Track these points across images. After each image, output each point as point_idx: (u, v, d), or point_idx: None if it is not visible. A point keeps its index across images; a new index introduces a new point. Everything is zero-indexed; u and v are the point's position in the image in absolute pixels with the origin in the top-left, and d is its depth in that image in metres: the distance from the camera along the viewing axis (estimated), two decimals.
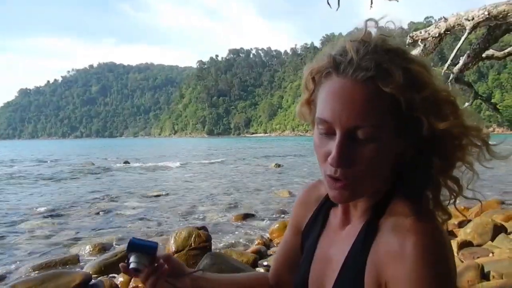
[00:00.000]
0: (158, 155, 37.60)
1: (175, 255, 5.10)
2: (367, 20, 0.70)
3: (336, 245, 0.78)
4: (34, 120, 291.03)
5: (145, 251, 0.84)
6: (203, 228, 5.65)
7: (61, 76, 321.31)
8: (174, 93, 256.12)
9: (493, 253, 4.18)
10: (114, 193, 12.56)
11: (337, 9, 7.48)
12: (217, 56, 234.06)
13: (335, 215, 0.83)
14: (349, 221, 0.78)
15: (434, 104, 0.66)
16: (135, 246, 0.84)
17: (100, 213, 9.39)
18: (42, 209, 9.84)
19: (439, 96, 0.67)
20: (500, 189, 11.23)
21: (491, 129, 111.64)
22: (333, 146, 0.66)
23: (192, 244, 5.15)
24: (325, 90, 0.68)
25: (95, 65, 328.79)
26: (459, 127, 0.68)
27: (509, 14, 5.35)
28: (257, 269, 4.53)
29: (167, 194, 12.19)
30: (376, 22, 0.70)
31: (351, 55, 0.66)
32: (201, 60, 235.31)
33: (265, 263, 4.99)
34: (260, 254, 5.47)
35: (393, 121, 0.66)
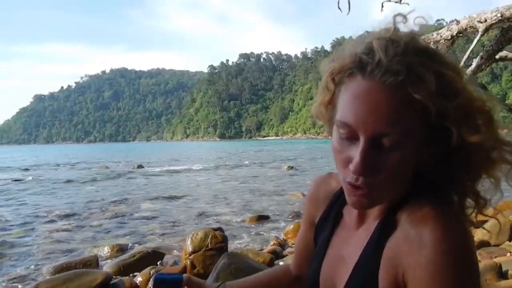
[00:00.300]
0: (171, 158, 37.89)
1: (192, 255, 5.21)
2: (395, 16, 0.65)
3: (349, 244, 0.75)
4: (48, 125, 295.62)
5: (171, 286, 0.85)
6: (219, 229, 5.73)
7: (75, 82, 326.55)
8: (185, 98, 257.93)
9: (510, 252, 4.19)
10: (129, 196, 12.74)
11: (347, 13, 7.55)
12: (227, 60, 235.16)
13: (349, 213, 0.80)
14: (364, 221, 0.75)
15: (467, 113, 0.61)
16: (161, 282, 0.84)
17: (117, 215, 9.54)
18: (60, 212, 10.04)
19: (472, 106, 0.61)
20: None
21: (505, 130, 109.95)
22: (355, 152, 0.62)
23: (209, 245, 5.23)
24: (349, 92, 0.64)
25: (107, 70, 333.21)
26: (492, 141, 0.63)
27: None
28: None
29: (182, 197, 12.32)
30: (405, 17, 0.65)
31: (379, 56, 0.60)
32: (212, 65, 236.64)
33: (281, 263, 5.05)
34: (276, 255, 5.54)
35: (421, 129, 0.62)
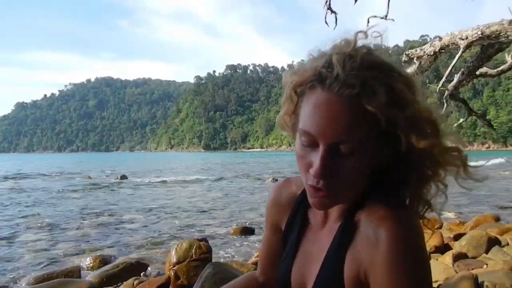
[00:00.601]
0: (155, 169, 37.57)
1: (176, 266, 5.18)
2: (357, 32, 0.71)
3: (317, 242, 0.81)
4: (30, 133, 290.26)
5: None
6: (204, 239, 5.73)
7: (58, 90, 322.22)
8: (171, 108, 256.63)
9: (487, 264, 4.28)
10: (112, 207, 12.57)
11: (334, 28, 7.70)
12: (214, 71, 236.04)
13: (314, 214, 0.85)
14: (328, 220, 0.81)
15: (415, 123, 0.67)
16: None
17: (99, 226, 9.41)
18: (40, 222, 9.85)
19: (421, 116, 0.68)
20: (496, 204, 11.35)
21: (486, 145, 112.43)
22: (315, 158, 0.68)
23: (193, 256, 5.22)
24: (310, 102, 0.69)
25: (92, 79, 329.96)
26: (438, 147, 0.70)
27: (501, 34, 5.56)
28: None
29: (166, 208, 12.22)
30: (366, 34, 0.71)
31: (337, 70, 0.66)
32: (198, 76, 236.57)
33: None
34: None
35: (375, 136, 0.68)
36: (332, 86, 0.66)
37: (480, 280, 3.49)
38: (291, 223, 0.90)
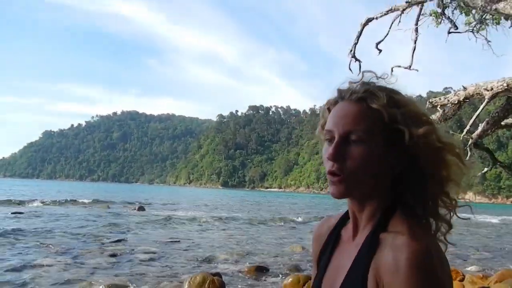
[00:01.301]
0: (173, 203, 37.64)
1: None
2: (363, 71, 0.93)
3: (346, 254, 0.89)
4: (54, 161, 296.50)
5: None
6: (218, 274, 5.68)
7: (85, 121, 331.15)
8: (192, 144, 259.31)
9: None
10: (128, 237, 12.61)
11: (358, 75, 7.84)
12: (237, 111, 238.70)
13: (346, 231, 0.95)
14: (357, 235, 0.90)
15: (412, 117, 0.83)
16: None
17: (115, 255, 9.43)
18: (57, 247, 9.96)
19: (416, 112, 0.85)
20: None
21: (511, 199, 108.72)
22: (331, 148, 0.85)
23: None
24: (331, 112, 0.90)
25: (118, 112, 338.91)
26: (435, 135, 0.83)
27: None
28: None
29: (181, 242, 12.18)
30: (375, 73, 0.92)
31: (350, 87, 0.89)
32: (221, 114, 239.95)
33: None
34: None
35: (381, 132, 0.83)
36: (346, 96, 0.88)
37: None
38: (325, 246, 1.01)
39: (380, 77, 0.91)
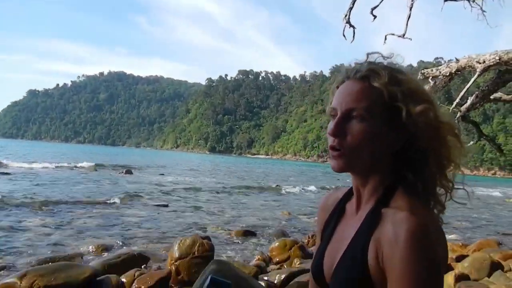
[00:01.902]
0: (162, 166, 37.72)
1: (178, 261, 5.22)
2: (369, 53, 0.95)
3: (349, 226, 0.93)
4: (39, 121, 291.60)
5: (222, 287, 0.96)
6: (207, 238, 5.77)
7: (71, 81, 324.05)
8: (180, 108, 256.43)
9: None
10: (116, 199, 12.64)
11: (351, 41, 7.75)
12: (226, 75, 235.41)
13: (350, 204, 0.99)
14: (360, 209, 0.94)
15: (411, 95, 0.86)
16: (216, 281, 1.01)
17: (103, 216, 9.51)
18: (46, 208, 9.98)
19: (415, 89, 0.88)
20: (499, 230, 11.30)
21: (492, 171, 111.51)
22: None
23: (196, 253, 5.26)
24: (337, 90, 0.93)
25: (105, 72, 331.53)
26: (433, 112, 0.86)
27: None
28: (259, 282, 4.63)
29: (170, 206, 12.29)
30: (381, 54, 0.94)
31: (356, 67, 0.92)
32: (210, 78, 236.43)
33: (265, 278, 5.09)
34: (261, 269, 5.58)
35: (382, 110, 0.86)
36: (351, 75, 0.90)
37: None
38: (330, 219, 1.05)
39: (386, 57, 0.93)
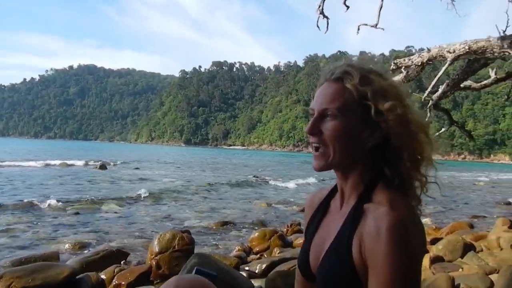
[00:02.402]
0: (136, 160, 37.18)
1: (158, 256, 5.19)
2: (349, 55, 1.05)
3: (334, 223, 0.98)
4: (6, 117, 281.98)
5: (208, 278, 1.01)
6: (187, 231, 5.75)
7: (39, 75, 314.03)
8: (154, 100, 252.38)
9: (462, 268, 4.44)
10: (90, 194, 12.41)
11: (325, 32, 7.80)
12: (200, 67, 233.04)
13: (335, 201, 1.05)
14: (344, 205, 0.99)
15: (380, 93, 0.92)
16: (201, 272, 1.01)
17: (78, 212, 9.32)
18: (19, 206, 9.71)
19: (383, 89, 0.93)
20: (470, 213, 11.70)
21: (462, 156, 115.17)
22: None
23: (176, 246, 5.23)
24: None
25: (75, 66, 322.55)
26: (400, 109, 0.91)
27: (487, 50, 5.75)
28: (240, 272, 4.65)
29: (146, 199, 12.15)
30: (356, 56, 1.05)
31: (332, 68, 0.99)
32: (183, 70, 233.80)
33: (246, 268, 5.12)
34: (242, 260, 5.60)
35: (355, 108, 0.92)
36: (327, 77, 0.98)
37: (456, 282, 3.63)
38: (314, 215, 1.11)
39: (364, 58, 1.01)
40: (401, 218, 0.83)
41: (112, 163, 29.47)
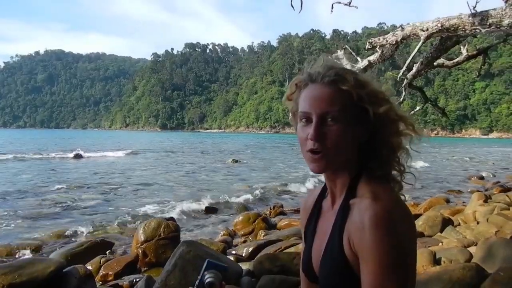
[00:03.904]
0: (112, 147, 36.57)
1: (144, 244, 5.19)
2: (324, 56, 1.04)
3: (327, 222, 1.01)
4: None
5: (219, 270, 0.99)
6: (172, 219, 5.76)
7: (4, 62, 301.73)
8: (126, 85, 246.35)
9: (442, 242, 4.62)
10: (68, 184, 12.21)
11: (299, 12, 7.77)
12: (172, 49, 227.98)
13: (326, 201, 1.07)
14: (334, 204, 1.02)
15: (374, 96, 0.95)
16: (212, 264, 1.01)
17: (57, 203, 9.17)
18: None
19: (377, 92, 0.96)
20: (445, 187, 12.11)
21: (435, 132, 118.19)
22: (311, 129, 0.93)
23: (161, 234, 5.24)
24: (304, 94, 0.98)
25: (41, 51, 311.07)
26: (393, 111, 0.96)
27: (459, 28, 5.85)
28: (227, 257, 4.71)
29: (126, 187, 12.05)
30: (331, 54, 1.07)
31: (319, 70, 0.97)
32: (155, 53, 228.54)
33: (233, 252, 5.18)
34: (228, 244, 5.67)
35: (351, 110, 0.93)
36: (317, 79, 0.96)
37: (437, 256, 3.78)
38: (310, 218, 1.12)
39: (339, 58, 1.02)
40: (384, 208, 0.86)
41: (87, 151, 28.91)
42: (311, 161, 0.95)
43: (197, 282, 0.99)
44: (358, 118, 0.94)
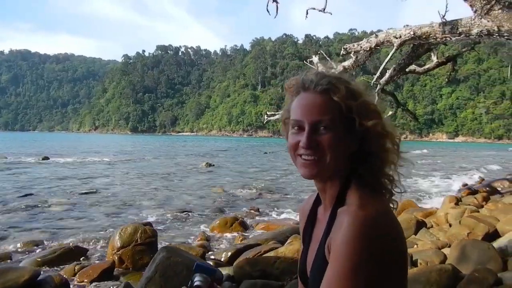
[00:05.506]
0: (81, 150, 35.64)
1: (121, 250, 5.08)
2: (317, 63, 1.20)
3: (321, 228, 1.01)
4: None
5: (207, 273, 1.00)
6: (149, 224, 5.66)
7: None
8: (96, 87, 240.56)
9: (417, 244, 4.75)
10: (36, 189, 11.82)
11: (275, 17, 7.84)
12: (144, 51, 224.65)
13: (321, 209, 1.08)
14: (328, 209, 1.01)
15: (364, 108, 0.95)
16: (200, 267, 1.00)
17: (25, 210, 8.84)
18: None
19: (368, 105, 0.97)
20: (415, 189, 12.44)
21: (404, 135, 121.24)
22: (302, 136, 0.95)
23: (138, 240, 5.15)
24: (296, 101, 0.99)
25: (6, 51, 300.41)
26: (381, 126, 0.96)
27: (431, 35, 6.07)
28: (207, 261, 4.67)
29: (96, 192, 11.75)
30: (317, 62, 1.10)
31: (312, 78, 0.98)
32: (126, 54, 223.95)
33: (212, 257, 5.15)
34: (206, 248, 5.62)
35: (341, 119, 0.94)
36: (310, 87, 0.97)
37: (414, 258, 3.87)
38: (308, 223, 1.14)
39: (329, 68, 1.05)
40: (366, 217, 0.85)
41: (55, 155, 28.05)
42: (302, 166, 0.96)
43: (189, 283, 1.00)
44: (349, 128, 0.95)
